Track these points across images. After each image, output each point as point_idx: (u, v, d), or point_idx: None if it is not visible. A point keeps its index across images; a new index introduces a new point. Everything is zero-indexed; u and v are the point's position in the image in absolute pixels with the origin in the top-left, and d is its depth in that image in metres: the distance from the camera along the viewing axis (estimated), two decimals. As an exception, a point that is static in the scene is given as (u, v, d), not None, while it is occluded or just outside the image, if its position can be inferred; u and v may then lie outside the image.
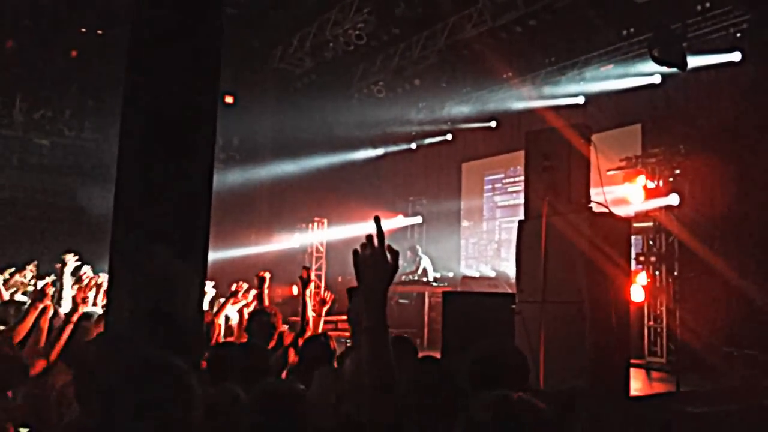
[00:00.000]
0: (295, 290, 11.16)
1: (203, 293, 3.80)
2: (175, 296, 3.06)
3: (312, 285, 4.24)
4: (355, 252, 1.90)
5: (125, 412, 1.48)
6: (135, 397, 1.50)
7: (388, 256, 1.88)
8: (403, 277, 11.45)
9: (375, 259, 1.88)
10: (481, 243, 13.04)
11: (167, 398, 1.53)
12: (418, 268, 11.51)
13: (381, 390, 1.80)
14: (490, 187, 12.94)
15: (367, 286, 1.88)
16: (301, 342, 4.08)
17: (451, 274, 12.38)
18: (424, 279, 11.12)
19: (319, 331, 4.20)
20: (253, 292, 5.04)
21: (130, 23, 3.51)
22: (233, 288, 4.91)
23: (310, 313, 4.17)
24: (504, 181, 12.49)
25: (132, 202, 3.32)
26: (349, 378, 2.25)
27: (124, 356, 1.72)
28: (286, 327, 4.53)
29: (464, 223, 13.46)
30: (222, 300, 5.22)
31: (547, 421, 1.65)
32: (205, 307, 6.13)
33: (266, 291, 4.80)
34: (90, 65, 11.52)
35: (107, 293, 3.33)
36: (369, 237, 1.90)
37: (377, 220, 1.93)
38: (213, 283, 6.55)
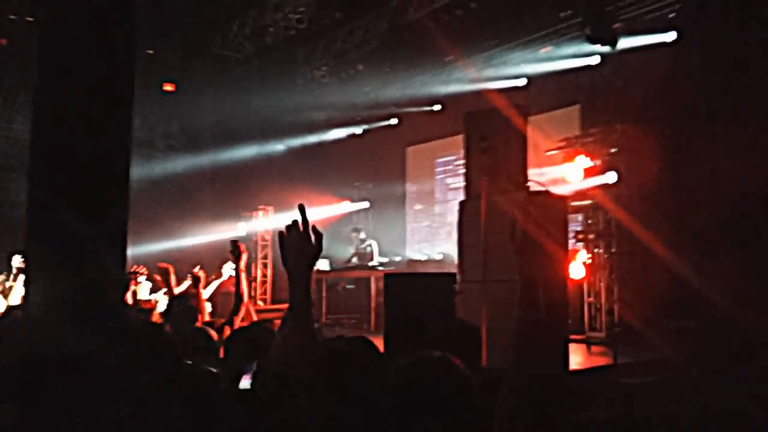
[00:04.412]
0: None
1: (126, 282, 3.73)
2: (94, 285, 2.98)
3: (245, 257, 4.16)
4: (281, 234, 2.05)
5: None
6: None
7: (312, 238, 2.01)
8: (354, 259, 11.42)
9: (299, 242, 2.00)
10: (434, 226, 13.08)
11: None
12: (363, 249, 11.47)
13: (305, 354, 1.89)
14: (442, 169, 12.96)
15: (292, 267, 2.00)
16: (236, 320, 4.02)
17: (398, 258, 12.42)
18: (370, 264, 11.11)
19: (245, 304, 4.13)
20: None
21: (42, 8, 3.38)
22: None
23: (245, 286, 4.10)
24: (455, 163, 12.44)
25: (46, 190, 3.20)
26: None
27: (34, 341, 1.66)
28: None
29: (416, 206, 13.48)
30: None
31: (465, 385, 1.65)
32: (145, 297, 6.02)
33: (173, 283, 4.68)
34: (21, 54, 11.06)
35: (24, 283, 3.22)
36: (294, 221, 2.04)
37: (301, 208, 2.05)
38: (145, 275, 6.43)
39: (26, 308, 3.33)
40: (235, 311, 4.03)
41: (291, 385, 1.82)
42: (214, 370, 2.22)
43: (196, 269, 4.92)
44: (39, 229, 3.30)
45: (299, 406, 1.74)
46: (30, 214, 3.35)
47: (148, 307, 4.79)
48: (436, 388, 1.60)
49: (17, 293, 5.07)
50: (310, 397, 1.76)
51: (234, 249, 4.16)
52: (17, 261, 5.42)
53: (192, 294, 4.09)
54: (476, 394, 1.61)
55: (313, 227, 2.01)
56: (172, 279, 4.63)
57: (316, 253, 2.02)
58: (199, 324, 3.84)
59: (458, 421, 1.57)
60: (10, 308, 3.94)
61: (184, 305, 3.89)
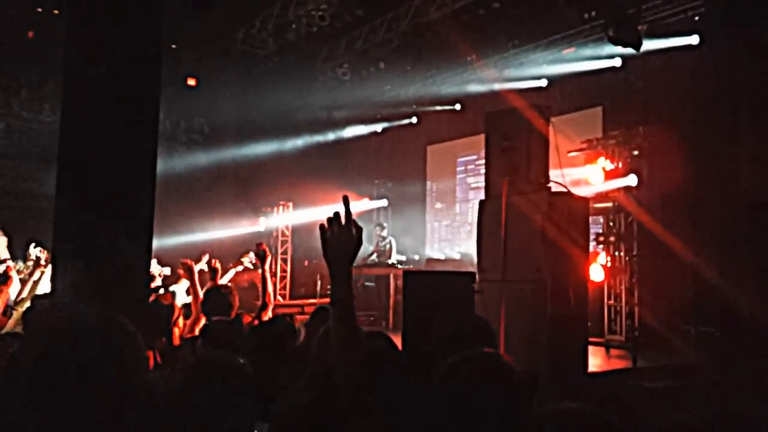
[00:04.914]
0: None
1: (149, 272, 3.78)
2: (119, 275, 3.04)
3: (269, 259, 4.25)
4: (322, 227, 2.01)
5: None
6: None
7: (354, 232, 1.99)
8: (373, 256, 11.42)
9: (341, 236, 1.97)
10: (454, 225, 13.07)
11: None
12: (383, 247, 11.47)
13: (348, 351, 1.92)
14: (463, 168, 12.93)
15: (334, 261, 1.98)
16: (263, 316, 4.09)
17: (416, 257, 12.42)
18: (389, 261, 11.11)
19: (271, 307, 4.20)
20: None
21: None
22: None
23: (270, 288, 4.17)
24: (477, 162, 12.38)
25: (74, 183, 3.26)
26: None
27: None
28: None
29: (437, 205, 13.48)
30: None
31: (518, 384, 1.67)
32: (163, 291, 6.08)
33: (197, 281, 4.72)
34: (48, 46, 11.21)
35: (51, 274, 3.29)
36: (336, 214, 2.01)
37: (345, 200, 2.04)
38: (169, 267, 6.49)
39: (53, 299, 3.40)
40: (263, 309, 4.11)
41: (338, 382, 1.83)
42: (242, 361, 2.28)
43: (206, 259, 4.99)
44: (66, 222, 3.37)
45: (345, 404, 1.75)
46: (58, 208, 3.42)
47: (168, 303, 4.85)
48: (489, 385, 1.61)
49: (43, 284, 5.15)
50: (357, 395, 1.77)
51: (259, 252, 4.24)
52: (35, 251, 5.47)
53: (229, 289, 4.14)
54: (526, 393, 1.63)
55: (354, 221, 1.99)
56: (197, 275, 4.69)
57: (357, 246, 2.00)
58: (232, 315, 3.92)
59: (507, 421, 1.57)
60: (36, 298, 4.00)
61: (221, 300, 3.95)
